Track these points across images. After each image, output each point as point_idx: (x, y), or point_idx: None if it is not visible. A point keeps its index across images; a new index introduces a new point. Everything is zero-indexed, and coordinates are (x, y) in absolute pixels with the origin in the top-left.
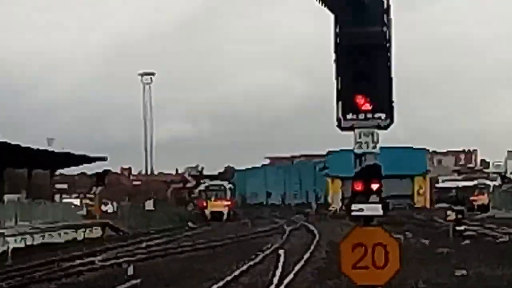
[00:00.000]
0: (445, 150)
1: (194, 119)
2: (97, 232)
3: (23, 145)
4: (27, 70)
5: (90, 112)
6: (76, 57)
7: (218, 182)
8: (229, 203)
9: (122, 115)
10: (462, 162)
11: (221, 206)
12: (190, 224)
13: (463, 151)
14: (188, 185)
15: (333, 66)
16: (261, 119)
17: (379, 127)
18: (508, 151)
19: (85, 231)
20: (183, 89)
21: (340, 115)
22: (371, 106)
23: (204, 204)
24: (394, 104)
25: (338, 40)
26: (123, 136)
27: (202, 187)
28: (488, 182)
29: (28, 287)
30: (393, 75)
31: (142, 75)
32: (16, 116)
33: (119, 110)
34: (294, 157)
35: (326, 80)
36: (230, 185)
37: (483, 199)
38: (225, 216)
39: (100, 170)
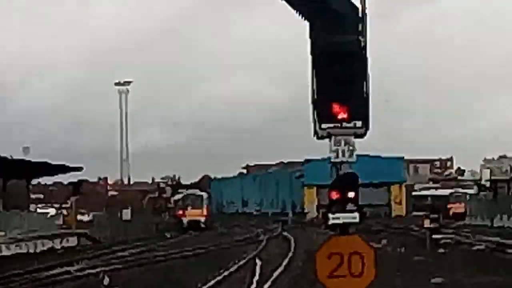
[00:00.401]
0: (421, 158)
1: (170, 128)
2: (73, 242)
3: None
4: (2, 80)
5: (67, 121)
6: (53, 65)
7: (194, 191)
8: (205, 212)
9: (99, 124)
10: (438, 170)
11: (198, 215)
12: (166, 234)
13: (439, 159)
14: (164, 194)
15: (309, 74)
16: (237, 128)
17: (355, 135)
18: (484, 159)
19: (61, 241)
20: (159, 99)
21: (316, 123)
22: (347, 114)
23: (181, 213)
24: (370, 112)
25: (313, 48)
26: (100, 145)
27: (179, 196)
28: (464, 190)
29: None
30: (369, 83)
31: (118, 84)
32: None
33: (96, 119)
34: (270, 165)
35: (303, 88)
36: (207, 194)
37: (459, 207)
38: (202, 225)
39: (76, 180)
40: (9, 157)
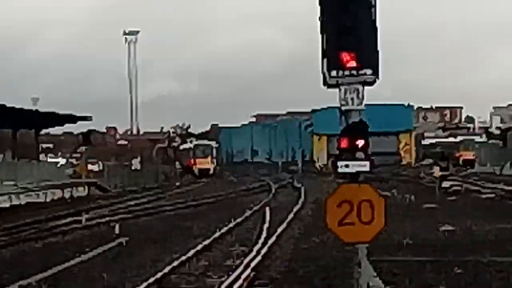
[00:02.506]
0: (430, 107)
1: (180, 77)
2: (83, 192)
3: (7, 104)
4: (12, 31)
5: (75, 72)
6: (61, 16)
7: (204, 141)
8: (214, 161)
9: (108, 74)
10: (447, 118)
11: (207, 163)
12: (176, 182)
13: (449, 107)
14: (174, 143)
15: (318, 22)
16: (247, 77)
17: (364, 83)
18: (493, 107)
19: (71, 190)
20: (169, 48)
21: (325, 72)
22: (357, 62)
23: (192, 162)
24: (379, 60)
25: None
26: (108, 95)
27: (189, 145)
28: (473, 138)
29: (14, 246)
30: (378, 31)
31: (126, 33)
32: (1, 76)
33: (105, 69)
34: (280, 115)
35: (313, 38)
36: (216, 144)
37: (469, 155)
38: (211, 172)
39: (85, 130)
40: (18, 107)
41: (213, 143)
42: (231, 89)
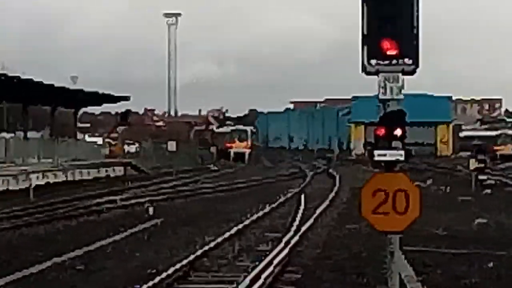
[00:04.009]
0: (469, 98)
1: (219, 61)
2: (119, 172)
3: (47, 82)
4: (53, 11)
5: (114, 53)
6: None
7: (241, 126)
8: (249, 145)
9: (147, 55)
10: (486, 111)
11: (243, 148)
12: (212, 166)
13: (487, 99)
14: (211, 127)
15: (360, 9)
16: (286, 63)
17: (404, 72)
18: None
19: (107, 170)
20: (209, 31)
21: (365, 59)
22: (397, 50)
23: (228, 145)
24: (420, 49)
25: None
26: (147, 77)
27: (226, 130)
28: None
29: (49, 224)
30: (420, 20)
31: (167, 15)
32: (42, 54)
33: (144, 50)
34: (317, 102)
35: (352, 25)
36: (252, 128)
37: (507, 149)
38: (246, 157)
39: (124, 110)
40: (58, 85)
41: (250, 128)
42: (270, 75)
